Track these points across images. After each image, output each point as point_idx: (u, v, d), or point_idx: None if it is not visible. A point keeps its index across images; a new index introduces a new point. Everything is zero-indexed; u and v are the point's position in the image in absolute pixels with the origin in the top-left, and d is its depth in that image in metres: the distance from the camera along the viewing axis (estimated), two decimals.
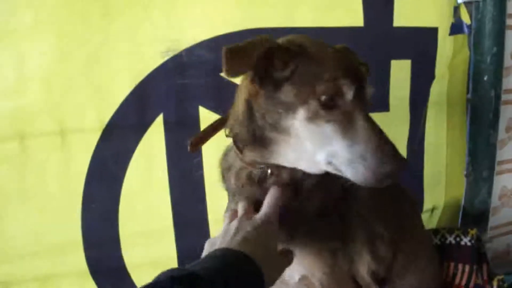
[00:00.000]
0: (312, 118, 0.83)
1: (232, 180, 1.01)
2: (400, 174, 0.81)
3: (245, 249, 0.81)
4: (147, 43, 1.27)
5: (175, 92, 1.31)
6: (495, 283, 1.38)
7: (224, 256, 0.79)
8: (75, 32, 1.22)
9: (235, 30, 1.32)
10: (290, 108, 0.85)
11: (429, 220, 1.65)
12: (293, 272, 1.02)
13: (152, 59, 1.28)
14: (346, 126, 0.83)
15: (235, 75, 0.82)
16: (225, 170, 1.04)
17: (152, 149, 1.32)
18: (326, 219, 0.98)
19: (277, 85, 0.87)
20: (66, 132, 1.26)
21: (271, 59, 0.85)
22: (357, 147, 0.82)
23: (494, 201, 1.80)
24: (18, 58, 1.20)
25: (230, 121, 0.99)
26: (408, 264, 1.18)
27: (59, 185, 1.28)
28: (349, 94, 0.83)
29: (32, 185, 1.26)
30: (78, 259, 1.32)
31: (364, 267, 1.05)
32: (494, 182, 1.76)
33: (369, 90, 0.88)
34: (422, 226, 1.35)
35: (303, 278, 1.02)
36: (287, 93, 0.86)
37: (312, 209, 0.98)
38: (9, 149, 1.23)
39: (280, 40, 0.92)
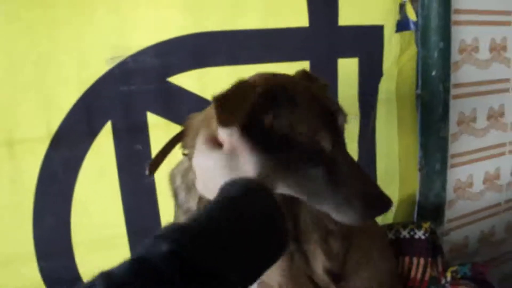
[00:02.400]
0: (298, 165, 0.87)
1: (192, 203, 1.04)
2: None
3: None
4: (92, 50, 1.31)
5: (122, 99, 1.35)
6: (449, 275, 1.44)
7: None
8: (20, 41, 1.24)
9: (180, 34, 1.36)
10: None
11: (385, 216, 1.71)
12: None
13: (98, 66, 1.32)
14: (329, 172, 0.85)
15: (229, 126, 0.83)
16: (183, 190, 1.06)
17: (102, 156, 1.36)
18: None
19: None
20: (14, 142, 1.28)
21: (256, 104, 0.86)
22: (341, 193, 0.85)
23: (450, 194, 1.88)
24: None
25: (189, 140, 1.01)
26: (362, 259, 1.22)
27: (9, 196, 1.30)
28: (328, 146, 0.86)
29: None
30: (31, 271, 1.34)
31: (319, 266, 1.11)
32: (448, 175, 1.83)
33: (343, 126, 0.91)
34: (375, 221, 1.39)
35: (261, 283, 1.08)
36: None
37: None
38: None
39: (260, 79, 0.92)
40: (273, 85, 0.89)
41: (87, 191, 1.35)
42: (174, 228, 0.64)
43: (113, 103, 1.34)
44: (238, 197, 0.72)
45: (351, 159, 0.88)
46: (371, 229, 1.33)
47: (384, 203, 0.85)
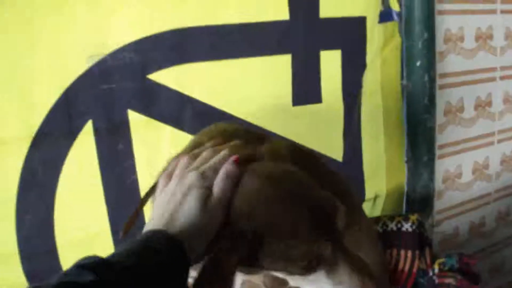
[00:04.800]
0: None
1: None
2: None
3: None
4: (71, 49, 1.32)
5: (102, 97, 1.36)
6: (436, 267, 1.45)
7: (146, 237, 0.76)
8: None
9: (159, 31, 1.37)
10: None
11: (373, 208, 1.73)
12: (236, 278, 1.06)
13: (77, 65, 1.33)
14: (329, 270, 0.86)
15: None
16: None
17: (83, 155, 1.37)
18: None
19: None
20: None
21: None
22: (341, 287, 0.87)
23: (438, 185, 1.90)
24: None
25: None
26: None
27: None
28: (327, 252, 0.83)
29: None
30: (15, 272, 1.35)
31: None
32: (437, 166, 1.85)
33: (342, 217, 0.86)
34: (364, 214, 1.40)
35: (246, 281, 1.07)
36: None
37: None
38: None
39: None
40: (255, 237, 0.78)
41: (70, 191, 1.36)
42: (98, 261, 0.68)
43: (93, 101, 1.34)
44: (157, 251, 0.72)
45: (351, 254, 0.89)
46: (361, 221, 1.33)
47: None
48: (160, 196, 0.85)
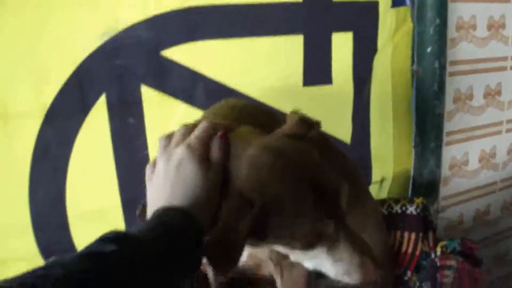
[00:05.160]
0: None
1: None
2: None
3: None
4: (84, 25, 1.34)
5: (116, 73, 1.38)
6: (438, 249, 1.46)
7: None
8: (11, 18, 1.26)
9: (172, 8, 1.39)
10: None
11: (379, 191, 1.75)
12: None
13: (90, 41, 1.34)
14: (330, 247, 0.86)
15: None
16: None
17: (96, 130, 1.40)
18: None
19: None
20: (8, 117, 1.30)
21: None
22: (341, 266, 0.87)
23: (445, 171, 1.91)
24: None
25: None
26: (356, 229, 1.23)
27: (4, 170, 1.33)
28: (329, 230, 0.84)
29: None
30: (29, 243, 1.38)
31: None
32: (444, 153, 1.86)
33: (345, 198, 0.88)
34: (369, 194, 1.42)
35: (250, 254, 1.10)
36: None
37: None
38: None
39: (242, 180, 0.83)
40: (263, 203, 0.79)
41: (82, 165, 1.39)
42: (119, 234, 0.69)
43: (106, 77, 1.37)
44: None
45: (354, 234, 0.88)
46: (367, 204, 1.35)
47: (380, 273, 0.88)
48: (152, 183, 0.86)
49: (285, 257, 1.09)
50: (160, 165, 0.84)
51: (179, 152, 0.82)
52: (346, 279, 0.88)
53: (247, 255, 1.10)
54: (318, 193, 0.82)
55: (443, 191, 1.93)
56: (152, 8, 1.37)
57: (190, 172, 0.80)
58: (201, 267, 0.90)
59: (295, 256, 0.91)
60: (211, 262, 0.76)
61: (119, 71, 1.37)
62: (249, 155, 0.84)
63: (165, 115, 1.42)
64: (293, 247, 0.87)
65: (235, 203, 0.79)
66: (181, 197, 0.79)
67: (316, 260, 0.89)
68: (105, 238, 0.67)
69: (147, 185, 0.89)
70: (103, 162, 1.41)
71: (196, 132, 0.86)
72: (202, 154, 0.82)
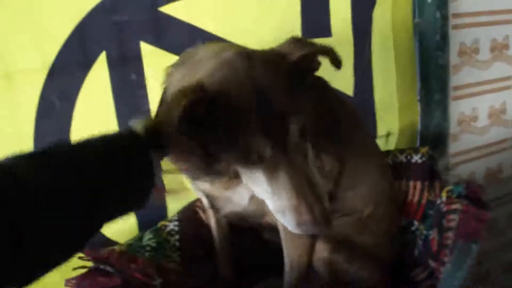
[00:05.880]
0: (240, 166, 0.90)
1: None
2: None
3: None
4: None
5: (115, 29, 1.41)
6: (444, 194, 1.45)
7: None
8: None
9: None
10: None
11: (385, 145, 1.76)
12: (243, 194, 1.12)
13: None
14: (270, 177, 0.87)
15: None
16: None
17: (97, 86, 1.42)
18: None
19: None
20: (12, 74, 1.34)
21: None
22: (278, 201, 0.87)
23: (453, 127, 1.89)
24: None
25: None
26: (358, 176, 1.26)
27: (9, 126, 1.37)
28: (267, 153, 0.85)
29: None
30: None
31: None
32: (452, 108, 1.84)
33: (295, 129, 0.87)
34: (373, 140, 1.41)
35: (252, 198, 1.10)
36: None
37: None
38: None
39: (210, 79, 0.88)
40: (217, 91, 0.85)
41: (85, 120, 1.42)
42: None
43: (107, 34, 1.40)
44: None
45: (300, 165, 0.87)
46: (369, 147, 1.35)
47: (314, 226, 0.84)
48: None
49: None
50: None
51: None
52: (281, 219, 0.88)
53: (248, 198, 1.11)
54: (264, 109, 0.84)
55: (453, 148, 1.92)
56: None
57: None
58: None
59: (246, 179, 0.92)
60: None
61: (118, 27, 1.40)
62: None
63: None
64: (237, 162, 0.89)
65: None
66: None
67: (259, 188, 0.89)
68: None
69: None
70: (105, 117, 1.43)
71: None
72: None
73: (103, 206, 0.77)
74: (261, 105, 0.84)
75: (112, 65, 1.42)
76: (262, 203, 1.11)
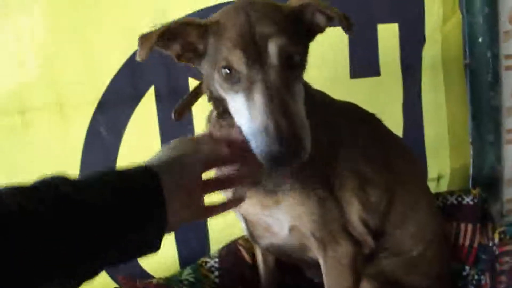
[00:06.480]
0: (223, 89, 0.93)
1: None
2: (295, 161, 0.84)
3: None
4: (135, 16, 1.43)
5: (165, 64, 1.45)
6: (496, 237, 1.39)
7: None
8: (68, 7, 1.38)
9: (220, 2, 1.45)
10: (210, 79, 0.96)
11: (436, 188, 1.71)
12: (283, 223, 1.08)
13: (141, 32, 1.39)
14: (247, 99, 0.88)
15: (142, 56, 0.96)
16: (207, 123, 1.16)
17: (145, 120, 1.46)
18: (310, 167, 1.01)
19: (200, 59, 0.98)
20: (64, 105, 1.40)
21: (184, 37, 0.96)
22: (252, 123, 0.87)
23: (508, 172, 1.81)
24: (17, 34, 1.36)
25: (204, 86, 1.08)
26: (407, 214, 1.20)
27: (58, 157, 1.42)
28: (242, 68, 0.88)
29: (34, 156, 1.39)
30: None
31: (355, 215, 1.10)
32: (507, 152, 1.78)
33: (274, 50, 0.88)
34: (424, 180, 1.37)
35: (293, 228, 1.08)
36: (204, 66, 0.97)
37: None
38: (12, 123, 1.37)
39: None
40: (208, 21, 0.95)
41: (131, 154, 1.44)
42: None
43: (156, 68, 1.44)
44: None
45: (276, 88, 0.87)
46: (419, 185, 1.30)
47: (283, 147, 0.82)
48: None
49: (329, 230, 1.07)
50: None
51: None
52: (254, 145, 0.86)
53: (288, 228, 1.09)
54: (247, 31, 0.89)
55: (508, 193, 1.84)
56: (200, 1, 1.44)
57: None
58: None
59: (231, 105, 0.94)
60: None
61: (167, 63, 1.42)
62: None
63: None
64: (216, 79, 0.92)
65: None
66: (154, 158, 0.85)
67: (242, 117, 0.90)
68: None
69: None
70: (151, 151, 1.43)
71: None
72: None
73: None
74: (246, 28, 0.89)
75: (160, 99, 1.45)
76: (302, 236, 1.09)
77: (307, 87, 1.03)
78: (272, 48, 0.87)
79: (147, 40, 0.95)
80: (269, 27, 0.89)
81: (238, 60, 0.87)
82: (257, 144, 0.84)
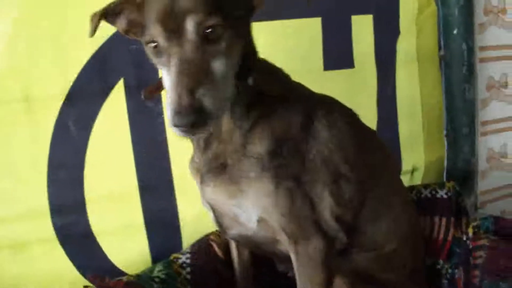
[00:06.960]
0: (155, 64, 0.97)
1: None
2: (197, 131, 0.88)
3: None
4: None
5: (134, 57, 1.41)
6: (470, 231, 1.39)
7: None
8: (36, 2, 1.33)
9: None
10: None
11: (410, 181, 1.71)
12: (250, 215, 1.06)
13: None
14: (168, 73, 0.91)
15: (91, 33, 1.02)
16: None
17: (114, 113, 1.42)
18: (278, 159, 1.01)
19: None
20: (31, 99, 1.35)
21: (126, 13, 1.04)
22: (167, 96, 0.89)
23: (482, 164, 1.82)
24: None
25: None
26: (380, 209, 1.19)
27: (25, 151, 1.37)
28: (162, 42, 0.91)
29: (1, 151, 1.35)
30: (46, 226, 1.40)
31: (327, 210, 1.08)
32: (480, 144, 1.78)
33: (191, 23, 0.89)
34: (398, 175, 1.36)
35: (261, 220, 1.06)
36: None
37: (260, 149, 1.02)
38: None
39: None
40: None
41: (100, 147, 1.41)
42: None
43: (125, 61, 1.40)
44: None
45: (190, 63, 0.89)
46: (393, 181, 1.29)
47: (180, 118, 0.85)
48: None
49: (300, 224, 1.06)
50: None
51: None
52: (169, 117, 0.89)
53: (256, 219, 1.07)
54: (168, 7, 0.90)
55: (482, 185, 1.85)
56: None
57: None
58: None
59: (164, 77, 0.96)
60: None
61: (136, 55, 1.39)
62: None
63: None
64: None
65: None
66: None
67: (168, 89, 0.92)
68: None
69: None
70: (121, 144, 1.42)
71: None
72: None
73: None
74: (168, 2, 0.90)
75: (129, 92, 1.41)
76: (271, 228, 1.08)
77: (283, 76, 1.15)
78: (189, 22, 0.89)
79: (94, 17, 1.02)
80: (188, 1, 0.90)
81: (158, 34, 0.90)
82: (168, 114, 0.88)
